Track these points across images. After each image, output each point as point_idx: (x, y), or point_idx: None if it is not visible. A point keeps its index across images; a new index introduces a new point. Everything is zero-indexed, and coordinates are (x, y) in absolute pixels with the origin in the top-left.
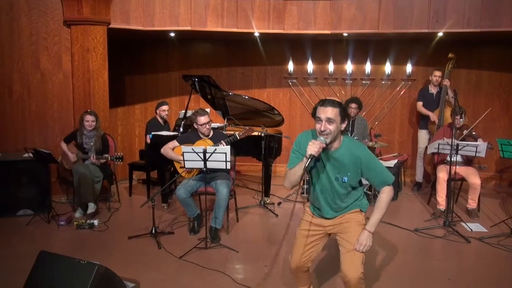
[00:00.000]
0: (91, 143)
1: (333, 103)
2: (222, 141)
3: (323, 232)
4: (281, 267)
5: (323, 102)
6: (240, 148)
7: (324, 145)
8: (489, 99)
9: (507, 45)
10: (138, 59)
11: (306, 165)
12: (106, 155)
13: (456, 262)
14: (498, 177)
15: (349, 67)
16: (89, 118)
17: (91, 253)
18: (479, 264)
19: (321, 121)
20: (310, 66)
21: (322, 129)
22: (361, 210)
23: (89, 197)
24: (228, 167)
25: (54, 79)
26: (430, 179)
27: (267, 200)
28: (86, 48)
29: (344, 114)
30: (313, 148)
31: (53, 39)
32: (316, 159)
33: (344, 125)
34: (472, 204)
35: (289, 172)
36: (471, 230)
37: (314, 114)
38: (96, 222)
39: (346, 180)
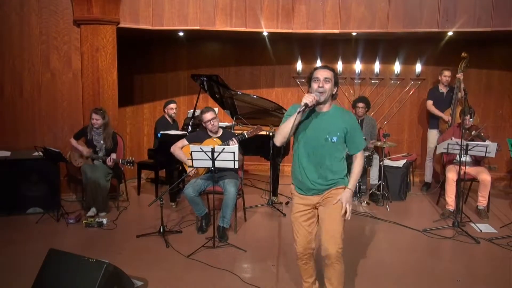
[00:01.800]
0: (101, 141)
1: (327, 67)
2: (233, 138)
3: (313, 209)
4: (289, 267)
5: (318, 67)
6: (248, 147)
7: (318, 99)
8: (499, 99)
9: None
10: (147, 59)
11: (301, 110)
12: (114, 156)
13: (465, 263)
14: (508, 178)
15: (358, 66)
16: (94, 116)
17: (100, 251)
18: (488, 265)
19: (319, 80)
20: (319, 65)
21: (320, 85)
22: (345, 187)
23: (90, 201)
24: (236, 166)
25: (64, 78)
26: (439, 179)
27: (275, 199)
28: (95, 47)
29: (337, 79)
30: (308, 98)
31: (63, 39)
32: (308, 114)
33: (335, 90)
34: (482, 201)
35: (280, 126)
36: (481, 231)
37: (309, 79)
38: (105, 220)
39: (335, 140)
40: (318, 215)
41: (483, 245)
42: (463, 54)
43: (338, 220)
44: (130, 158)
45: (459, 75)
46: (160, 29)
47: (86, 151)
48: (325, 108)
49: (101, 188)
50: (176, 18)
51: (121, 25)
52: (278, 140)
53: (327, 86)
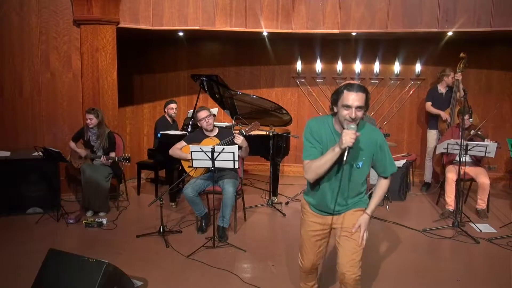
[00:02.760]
0: (98, 141)
1: (361, 88)
2: (236, 133)
3: (328, 229)
4: (289, 267)
5: (351, 87)
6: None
7: (358, 134)
8: (499, 99)
9: None
10: (147, 59)
11: (345, 158)
12: (113, 155)
13: (465, 263)
14: (507, 178)
15: (357, 66)
16: (88, 116)
17: (99, 251)
18: (488, 265)
19: (351, 108)
20: (318, 66)
21: (353, 116)
22: (364, 209)
23: (86, 201)
24: (236, 166)
25: (64, 78)
26: (439, 179)
27: (275, 199)
28: (95, 47)
29: (368, 100)
30: (349, 139)
31: (63, 39)
32: (333, 136)
33: (366, 112)
34: (481, 204)
35: (313, 164)
36: (480, 230)
37: (336, 99)
38: (104, 220)
39: (360, 165)
40: (331, 236)
41: (483, 245)
42: (461, 55)
43: (357, 248)
44: (126, 154)
45: (458, 76)
46: (160, 29)
47: (84, 153)
48: (340, 130)
49: (101, 188)
50: (176, 18)
51: (121, 25)
52: (311, 178)
53: (360, 114)
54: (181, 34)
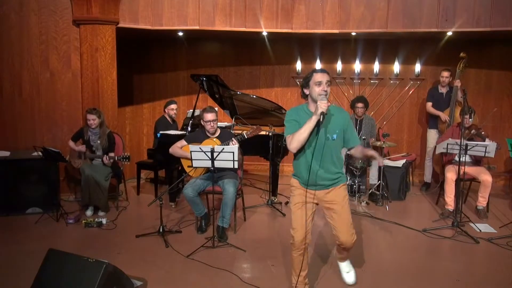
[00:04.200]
0: (98, 141)
1: (325, 70)
2: (233, 139)
3: (315, 202)
4: (288, 267)
5: (317, 70)
6: (247, 147)
7: (329, 104)
8: (498, 99)
9: None
10: (147, 59)
11: (322, 121)
12: (112, 154)
13: (464, 262)
14: (507, 178)
15: (357, 66)
16: (90, 117)
17: (99, 251)
18: (488, 265)
19: (322, 83)
20: (318, 66)
21: (326, 89)
22: (345, 185)
23: (86, 199)
24: (236, 166)
25: (63, 78)
26: (439, 179)
27: (275, 199)
28: (95, 47)
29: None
30: (323, 106)
31: (62, 39)
32: (307, 115)
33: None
34: (482, 202)
35: (295, 134)
36: (480, 230)
37: (308, 81)
38: (104, 220)
39: (335, 138)
40: (318, 210)
41: (483, 245)
42: (461, 54)
43: (348, 217)
44: (126, 153)
45: (457, 82)
46: (160, 29)
47: (84, 148)
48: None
49: (101, 188)
50: (176, 18)
51: (121, 25)
52: (294, 147)
53: (329, 89)
54: (180, 34)
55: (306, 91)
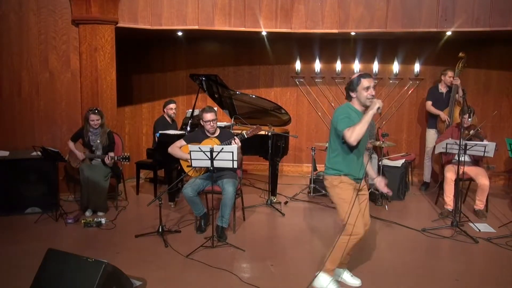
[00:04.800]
0: (98, 141)
1: (369, 75)
2: (236, 137)
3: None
4: (288, 266)
5: (365, 75)
6: (247, 147)
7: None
8: (498, 99)
9: None
10: (146, 58)
11: (379, 112)
12: (113, 154)
13: (463, 262)
14: (506, 177)
15: (356, 66)
16: (93, 117)
17: (98, 251)
18: (487, 264)
19: (370, 88)
20: (317, 65)
21: (373, 93)
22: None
23: (85, 200)
24: (235, 166)
25: (62, 78)
26: (438, 179)
27: (274, 199)
28: (94, 47)
29: None
30: (379, 103)
31: (62, 38)
32: (359, 115)
33: None
34: (479, 205)
35: (355, 128)
36: (479, 230)
37: (356, 86)
38: (103, 220)
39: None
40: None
41: (482, 244)
42: (460, 54)
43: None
44: (125, 154)
45: (456, 80)
46: (159, 29)
47: (82, 156)
48: (362, 110)
49: (100, 188)
50: (175, 18)
51: (120, 24)
52: (355, 139)
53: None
54: (180, 33)
55: (353, 95)
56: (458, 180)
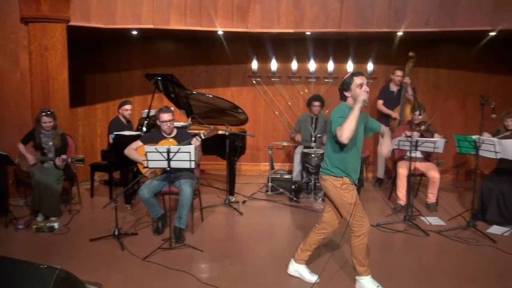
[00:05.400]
0: (50, 143)
1: (362, 73)
2: (197, 137)
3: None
4: (246, 265)
5: (357, 73)
6: (204, 147)
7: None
8: (446, 97)
9: (463, 45)
10: (100, 58)
11: (365, 104)
12: (65, 156)
13: (416, 255)
14: (455, 172)
15: (312, 65)
16: (46, 119)
17: (51, 257)
18: (438, 256)
19: (363, 85)
20: (273, 65)
21: (367, 89)
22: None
23: (36, 205)
24: (193, 166)
25: (11, 78)
26: (391, 175)
27: (232, 198)
28: (44, 46)
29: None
30: (365, 95)
31: (10, 37)
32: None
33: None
34: (431, 198)
35: (344, 125)
36: (430, 223)
37: (348, 85)
38: (56, 225)
39: (364, 132)
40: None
41: (433, 237)
42: (410, 54)
43: None
44: (79, 156)
45: (406, 80)
46: (113, 28)
47: (32, 160)
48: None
49: (52, 191)
50: (129, 17)
51: (72, 23)
52: (346, 137)
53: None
54: (135, 32)
55: (348, 94)
56: (410, 176)
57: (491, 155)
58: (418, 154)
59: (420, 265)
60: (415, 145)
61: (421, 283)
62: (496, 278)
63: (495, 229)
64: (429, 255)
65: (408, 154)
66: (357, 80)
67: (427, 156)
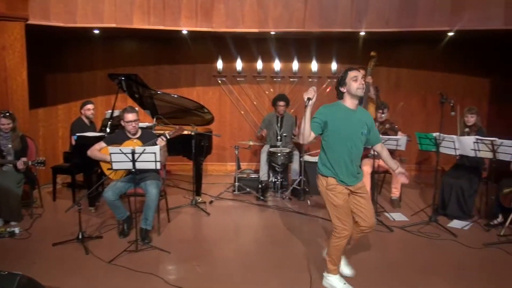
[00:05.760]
0: (9, 145)
1: (357, 68)
2: (162, 137)
3: (348, 196)
4: (214, 265)
5: (351, 68)
6: (170, 147)
7: (314, 92)
8: (408, 95)
9: (424, 44)
10: (61, 57)
11: (308, 103)
12: (25, 159)
13: (380, 250)
14: (417, 169)
15: (277, 65)
16: (4, 121)
17: (12, 263)
18: (402, 251)
19: (358, 78)
20: (239, 64)
21: (363, 82)
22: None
23: None
24: (158, 167)
25: None
26: None
27: (199, 199)
28: (1, 45)
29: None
30: (309, 93)
31: None
32: (344, 111)
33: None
34: (395, 193)
35: (300, 127)
36: (394, 219)
37: (344, 79)
38: (17, 229)
39: (365, 133)
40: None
41: (397, 232)
42: (372, 53)
43: (371, 205)
44: (40, 158)
45: (368, 79)
46: (74, 27)
47: None
48: (354, 106)
49: (13, 195)
50: (91, 15)
51: (30, 21)
52: (302, 139)
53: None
54: (96, 32)
55: (343, 89)
56: (373, 173)
57: (451, 152)
58: None
59: (384, 260)
60: None
61: (386, 278)
62: (457, 271)
63: (456, 223)
64: (393, 250)
65: (372, 152)
66: (351, 73)
67: (390, 154)
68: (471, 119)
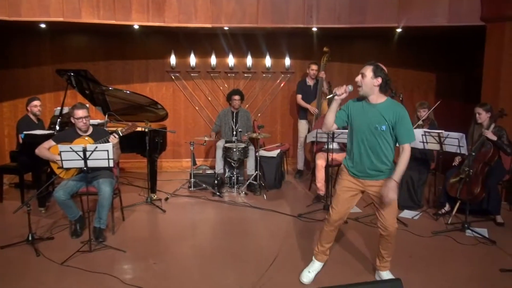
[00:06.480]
0: None
1: (369, 63)
2: (114, 134)
3: (360, 189)
4: (171, 263)
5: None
6: (123, 144)
7: (349, 90)
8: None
9: (375, 40)
10: (5, 53)
11: (331, 96)
12: None
13: (336, 242)
14: None
15: (231, 60)
16: None
17: None
18: (356, 242)
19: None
20: (192, 60)
21: (357, 79)
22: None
23: None
24: (111, 164)
25: None
26: (310, 167)
27: (154, 196)
28: None
29: (377, 71)
30: (339, 90)
31: None
32: (362, 104)
33: (377, 81)
34: None
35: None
36: None
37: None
38: None
39: (384, 129)
40: (361, 195)
41: (351, 224)
42: (324, 49)
43: (393, 207)
44: None
45: (321, 74)
46: (18, 20)
47: None
48: (378, 99)
49: None
50: (37, 9)
51: None
52: (324, 128)
53: (362, 80)
54: (43, 26)
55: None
56: (328, 166)
57: None
58: (335, 146)
59: (340, 251)
60: (332, 137)
61: (341, 269)
62: (408, 259)
63: (406, 213)
64: (347, 241)
65: (326, 146)
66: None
67: (344, 147)
68: (423, 113)
